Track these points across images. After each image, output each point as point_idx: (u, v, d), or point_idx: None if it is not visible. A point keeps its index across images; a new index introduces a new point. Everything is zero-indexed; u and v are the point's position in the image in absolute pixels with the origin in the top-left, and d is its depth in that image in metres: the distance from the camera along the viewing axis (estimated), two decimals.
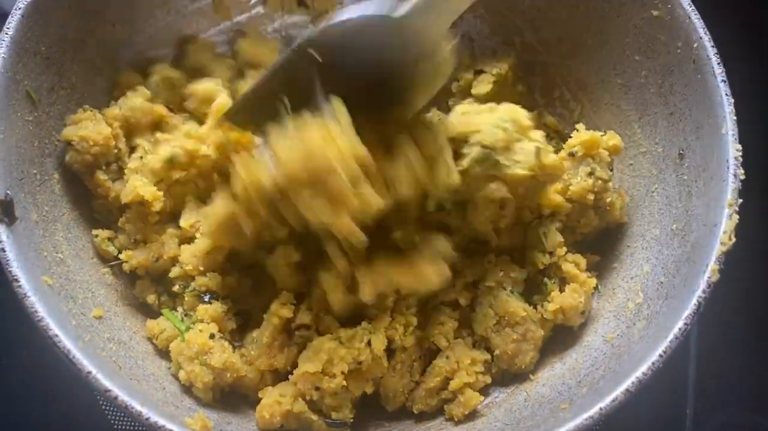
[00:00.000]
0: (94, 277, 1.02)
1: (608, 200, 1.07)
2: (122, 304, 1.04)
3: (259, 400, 0.97)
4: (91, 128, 1.03)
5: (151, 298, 1.06)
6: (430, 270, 0.95)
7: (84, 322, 0.92)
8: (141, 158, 1.06)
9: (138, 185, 1.02)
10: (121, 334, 0.99)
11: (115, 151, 1.06)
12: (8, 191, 0.89)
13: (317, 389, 0.94)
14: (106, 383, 0.80)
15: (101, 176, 1.05)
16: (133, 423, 1.23)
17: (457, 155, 0.97)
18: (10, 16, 0.95)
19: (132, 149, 1.09)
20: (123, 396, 0.79)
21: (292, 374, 0.97)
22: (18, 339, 1.28)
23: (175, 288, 1.03)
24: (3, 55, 0.93)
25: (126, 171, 1.05)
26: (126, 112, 1.09)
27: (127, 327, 1.01)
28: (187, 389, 0.98)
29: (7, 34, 0.94)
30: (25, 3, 0.95)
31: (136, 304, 1.07)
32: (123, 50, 1.13)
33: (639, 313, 0.99)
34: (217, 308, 1.00)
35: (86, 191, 1.07)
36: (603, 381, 0.93)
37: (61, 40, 1.02)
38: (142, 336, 1.03)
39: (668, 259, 1.00)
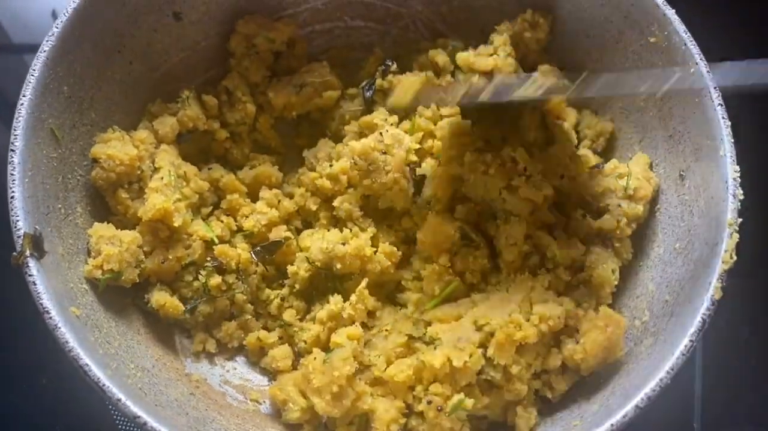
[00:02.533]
0: (116, 307, 1.05)
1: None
2: (144, 332, 1.08)
3: None
4: (119, 147, 1.08)
5: (167, 298, 1.08)
6: None
7: (110, 350, 0.95)
8: (162, 178, 1.10)
9: (158, 202, 1.06)
10: (145, 362, 1.01)
11: (138, 172, 1.11)
12: (37, 226, 0.93)
13: None
14: (136, 409, 0.83)
15: (122, 194, 1.09)
16: None
17: None
18: (35, 59, 0.99)
19: (155, 170, 1.13)
20: (152, 422, 0.82)
21: None
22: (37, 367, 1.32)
23: None
24: (30, 96, 0.97)
25: (147, 190, 1.09)
26: (156, 131, 1.16)
27: (149, 355, 1.04)
28: (211, 414, 1.01)
29: (33, 75, 0.98)
30: (50, 46, 1.00)
31: (156, 332, 1.10)
32: (141, 87, 1.17)
33: (646, 331, 1.02)
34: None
35: (106, 220, 1.10)
36: (613, 398, 0.95)
37: (81, 79, 1.06)
38: (164, 363, 1.06)
39: (672, 277, 1.03)
